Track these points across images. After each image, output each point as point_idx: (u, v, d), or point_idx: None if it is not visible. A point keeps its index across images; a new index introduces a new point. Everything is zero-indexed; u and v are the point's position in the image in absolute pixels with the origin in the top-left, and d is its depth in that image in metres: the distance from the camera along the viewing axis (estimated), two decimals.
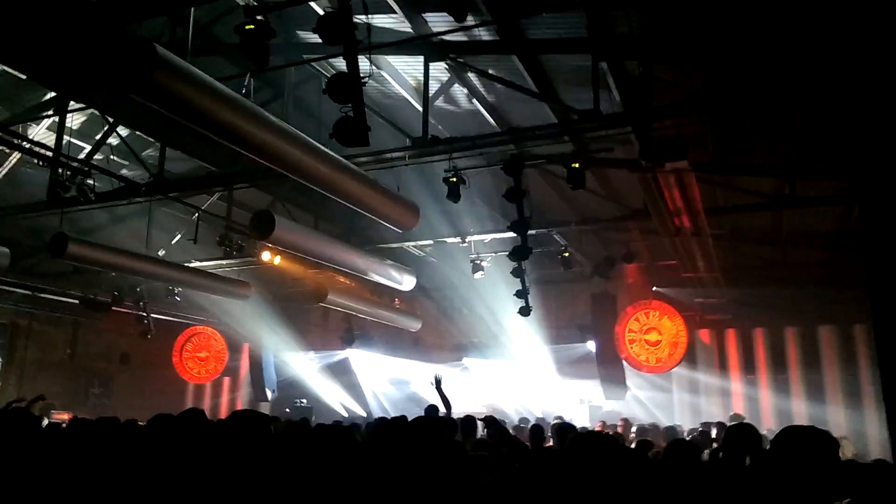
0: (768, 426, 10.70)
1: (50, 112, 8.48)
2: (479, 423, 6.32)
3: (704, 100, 6.13)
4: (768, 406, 12.58)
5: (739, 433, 3.90)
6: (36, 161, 8.89)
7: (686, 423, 11.01)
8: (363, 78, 4.56)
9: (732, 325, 13.56)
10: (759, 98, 6.02)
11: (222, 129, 4.80)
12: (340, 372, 16.10)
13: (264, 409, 15.60)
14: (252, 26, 4.19)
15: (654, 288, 12.98)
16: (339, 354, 15.98)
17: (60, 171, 8.31)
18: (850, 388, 11.91)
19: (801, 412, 12.00)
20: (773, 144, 8.42)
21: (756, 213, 10.18)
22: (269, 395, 15.49)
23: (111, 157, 9.65)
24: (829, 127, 7.70)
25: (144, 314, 14.11)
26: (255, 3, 4.39)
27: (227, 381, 17.45)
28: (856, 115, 6.05)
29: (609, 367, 12.83)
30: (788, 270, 12.05)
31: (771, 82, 6.02)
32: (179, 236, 12.07)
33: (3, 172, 9.58)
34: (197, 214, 10.57)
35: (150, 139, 9.19)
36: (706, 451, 4.91)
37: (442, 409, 6.76)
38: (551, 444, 6.95)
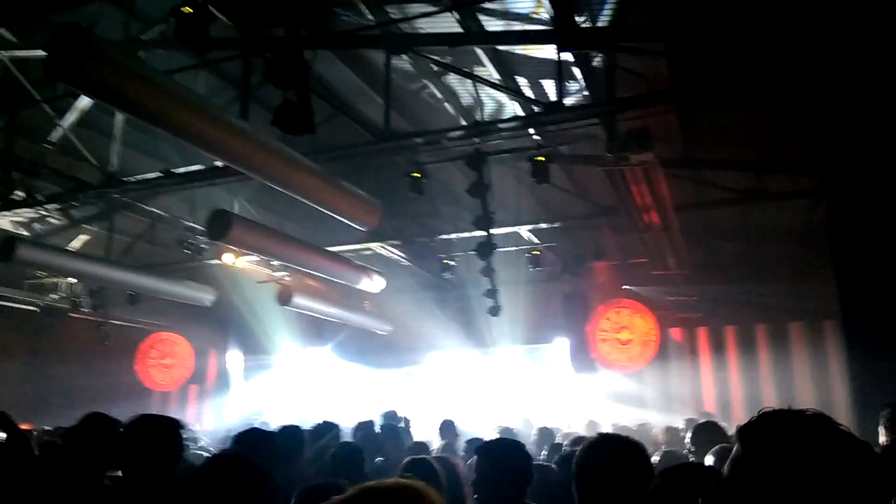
0: (739, 419, 10.64)
1: None
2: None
3: (670, 90, 6.01)
4: (739, 402, 12.55)
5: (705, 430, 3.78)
6: None
7: (660, 421, 10.89)
8: (307, 60, 4.34)
9: (704, 322, 13.52)
10: (725, 87, 5.91)
11: (157, 117, 4.56)
12: (308, 376, 15.78)
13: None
14: (190, 10, 3.95)
15: (626, 286, 12.88)
16: (308, 358, 15.66)
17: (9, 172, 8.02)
18: (819, 383, 11.90)
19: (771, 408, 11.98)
20: (741, 139, 8.35)
21: (726, 208, 10.12)
22: (234, 401, 15.11)
23: (65, 157, 9.29)
24: (798, 121, 7.64)
25: (102, 320, 13.69)
26: None
27: (194, 388, 17.02)
28: (824, 108, 5.98)
29: (581, 366, 12.74)
30: (758, 267, 12.02)
31: (738, 71, 5.92)
32: (141, 241, 11.73)
33: None
34: (157, 218, 10.27)
35: (106, 138, 8.85)
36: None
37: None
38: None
